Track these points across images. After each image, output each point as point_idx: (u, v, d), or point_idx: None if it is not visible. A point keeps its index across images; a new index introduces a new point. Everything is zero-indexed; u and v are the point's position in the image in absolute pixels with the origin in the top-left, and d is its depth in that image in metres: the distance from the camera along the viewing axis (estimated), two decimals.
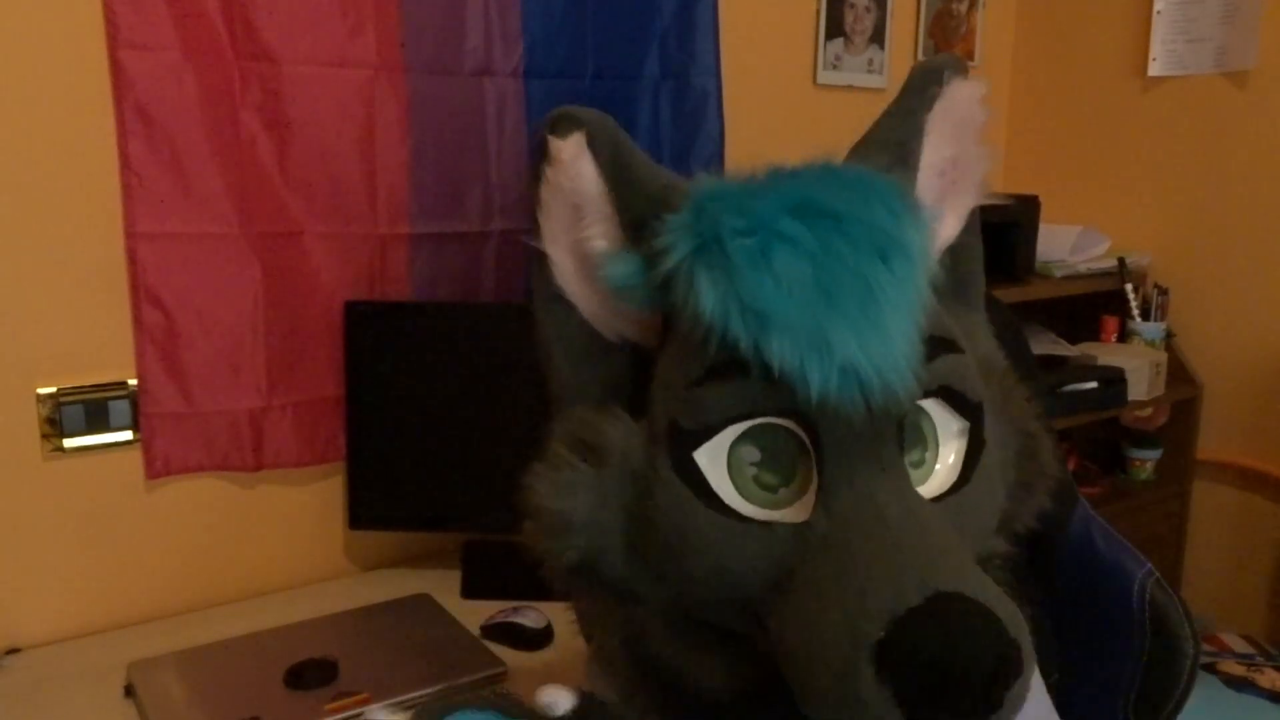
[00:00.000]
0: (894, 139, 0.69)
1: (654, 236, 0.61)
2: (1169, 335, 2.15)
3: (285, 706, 1.13)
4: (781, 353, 0.56)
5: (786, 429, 0.59)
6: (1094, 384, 1.96)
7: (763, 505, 0.60)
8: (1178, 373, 2.14)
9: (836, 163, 0.65)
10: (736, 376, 0.59)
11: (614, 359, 0.68)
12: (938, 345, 0.62)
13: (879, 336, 0.57)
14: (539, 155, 0.68)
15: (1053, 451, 0.69)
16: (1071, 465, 2.14)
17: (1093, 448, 2.25)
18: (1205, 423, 2.17)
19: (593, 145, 0.66)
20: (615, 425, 0.64)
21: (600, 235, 0.67)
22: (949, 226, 0.72)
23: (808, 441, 0.59)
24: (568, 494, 0.62)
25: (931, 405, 0.63)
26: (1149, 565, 0.82)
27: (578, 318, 0.68)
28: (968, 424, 0.63)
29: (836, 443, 0.58)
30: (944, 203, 0.71)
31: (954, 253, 0.72)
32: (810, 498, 0.59)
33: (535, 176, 0.68)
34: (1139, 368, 2.02)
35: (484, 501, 1.45)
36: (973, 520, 0.62)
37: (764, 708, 0.63)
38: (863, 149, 0.70)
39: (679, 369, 0.62)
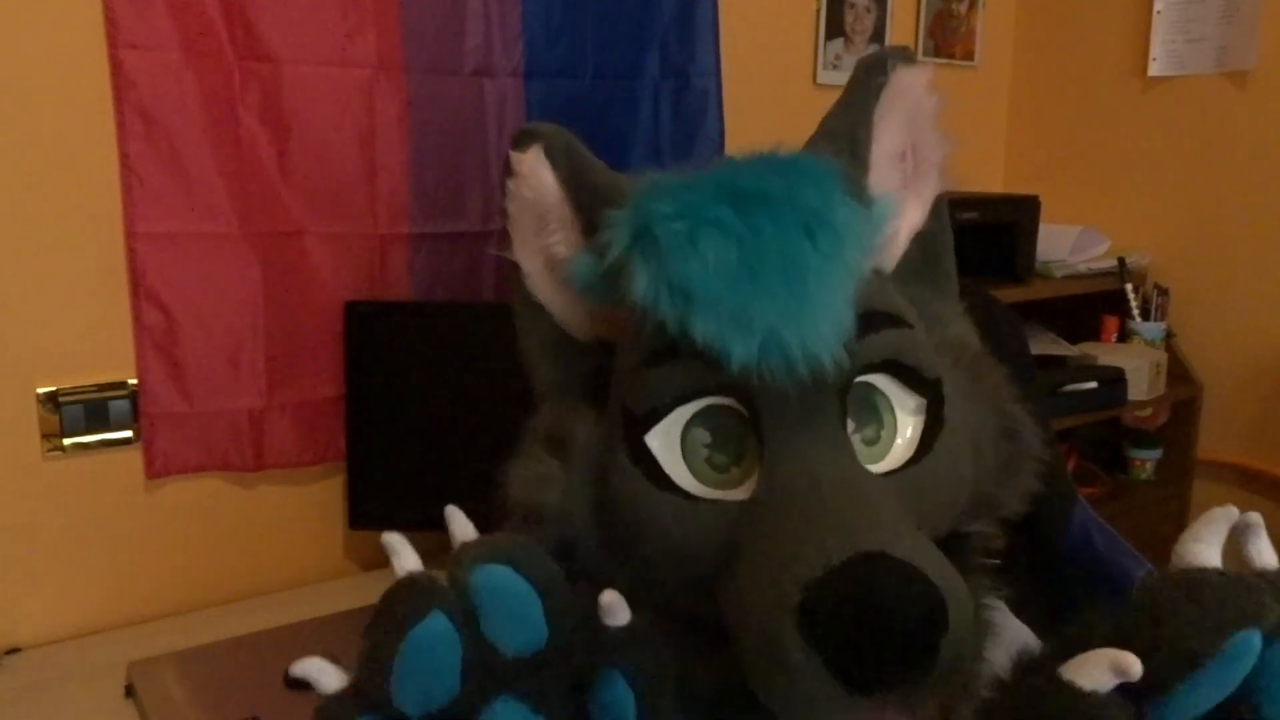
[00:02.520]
0: (841, 129, 0.70)
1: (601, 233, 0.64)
2: (1169, 335, 2.15)
3: (285, 706, 1.13)
4: (705, 329, 0.58)
5: (732, 409, 0.61)
6: (1094, 384, 1.96)
7: (715, 485, 0.61)
8: (1178, 373, 2.14)
9: (773, 151, 0.66)
10: (673, 358, 0.60)
11: (589, 358, 0.70)
12: (879, 319, 0.63)
13: (802, 309, 0.58)
14: (506, 170, 0.71)
15: (1038, 433, 0.69)
16: (1071, 465, 2.14)
17: (1093, 448, 2.25)
18: (1205, 423, 2.17)
19: (550, 156, 0.69)
20: (580, 421, 0.66)
21: (562, 241, 0.70)
22: (914, 214, 0.73)
23: (750, 418, 0.61)
24: (538, 488, 0.65)
25: (883, 381, 0.63)
26: (1149, 566, 0.82)
27: (551, 321, 0.72)
28: (924, 400, 0.64)
29: (774, 417, 0.60)
30: (906, 190, 0.72)
31: (922, 239, 0.73)
32: (756, 474, 0.61)
33: (503, 190, 0.72)
34: (1139, 368, 2.02)
35: (484, 501, 1.45)
36: (929, 496, 0.62)
37: (754, 707, 0.63)
38: (811, 142, 0.71)
39: (627, 357, 0.64)
